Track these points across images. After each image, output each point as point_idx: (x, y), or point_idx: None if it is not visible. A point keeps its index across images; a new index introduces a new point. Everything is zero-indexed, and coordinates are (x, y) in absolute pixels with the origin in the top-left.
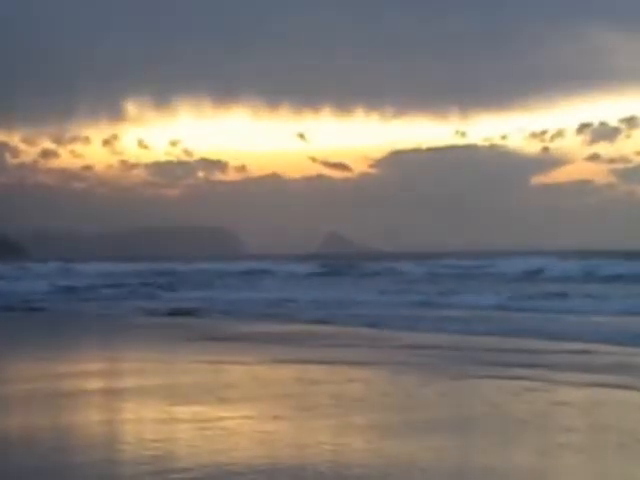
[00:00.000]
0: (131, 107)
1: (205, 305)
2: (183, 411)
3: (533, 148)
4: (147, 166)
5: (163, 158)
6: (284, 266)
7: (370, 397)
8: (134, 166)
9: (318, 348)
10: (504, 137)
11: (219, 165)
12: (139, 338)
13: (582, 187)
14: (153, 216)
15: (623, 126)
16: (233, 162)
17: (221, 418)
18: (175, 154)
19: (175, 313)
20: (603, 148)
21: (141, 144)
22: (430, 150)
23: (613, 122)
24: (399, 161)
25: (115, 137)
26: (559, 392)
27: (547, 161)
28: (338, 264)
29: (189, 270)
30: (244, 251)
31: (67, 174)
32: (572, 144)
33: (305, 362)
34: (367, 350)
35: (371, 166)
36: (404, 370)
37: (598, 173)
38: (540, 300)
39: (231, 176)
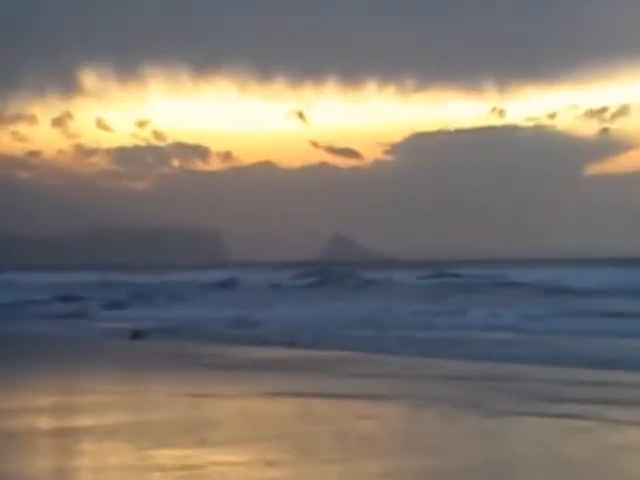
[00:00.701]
0: (88, 79)
1: (171, 325)
2: (157, 455)
3: (589, 129)
4: (108, 152)
5: (128, 142)
6: (267, 276)
7: (385, 438)
8: (92, 152)
9: (316, 378)
10: (552, 116)
11: (198, 151)
12: (97, 365)
13: None
14: (115, 214)
15: None
16: (216, 147)
17: (204, 464)
18: (144, 137)
19: (138, 335)
20: None
21: (100, 124)
22: (460, 132)
23: None
24: (421, 146)
25: (68, 116)
26: (618, 432)
27: (607, 145)
28: (330, 274)
29: (154, 282)
30: (228, 257)
31: (8, 161)
32: (638, 124)
33: (303, 395)
34: (374, 380)
35: (386, 152)
36: (424, 405)
37: None
38: (578, 318)
39: (213, 165)
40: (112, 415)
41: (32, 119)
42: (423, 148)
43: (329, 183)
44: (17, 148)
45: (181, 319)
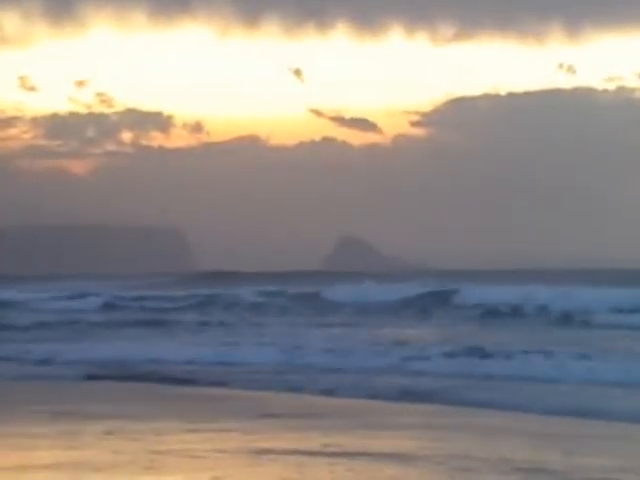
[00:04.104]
0: (7, 20)
1: None
2: None
3: None
4: (35, 122)
5: (63, 108)
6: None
7: None
8: (12, 121)
9: (307, 428)
10: None
11: (158, 121)
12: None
13: None
14: (43, 207)
15: None
16: (182, 116)
17: None
18: (83, 102)
19: None
20: None
21: (25, 84)
22: (515, 97)
23: None
24: (461, 116)
25: None
26: None
27: None
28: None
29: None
30: (191, 266)
31: None
32: None
33: (296, 453)
34: (378, 431)
35: (414, 124)
36: (467, 467)
37: None
38: None
39: (178, 140)
40: None
41: None
42: (463, 118)
43: (336, 166)
44: None
45: None
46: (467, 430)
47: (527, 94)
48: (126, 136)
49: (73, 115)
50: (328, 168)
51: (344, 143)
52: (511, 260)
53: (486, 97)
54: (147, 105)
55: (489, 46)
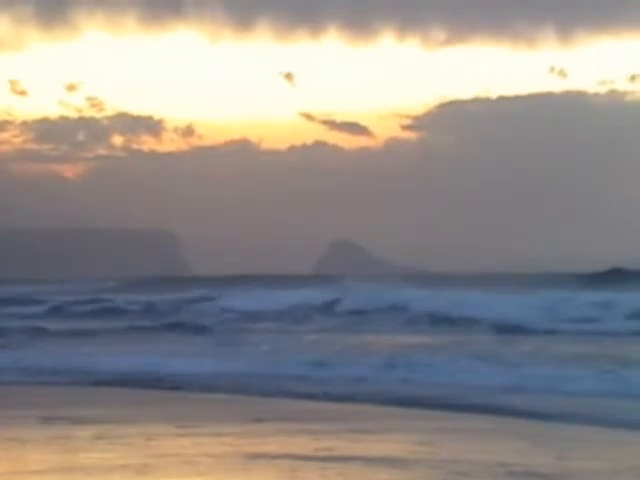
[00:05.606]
0: None
1: None
2: None
3: None
4: (25, 126)
5: (53, 112)
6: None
7: None
8: (3, 125)
9: (296, 432)
10: (634, 78)
11: (149, 125)
12: None
13: None
14: (34, 211)
15: None
16: (173, 120)
17: None
18: (74, 106)
19: None
20: None
21: (15, 88)
22: (506, 100)
23: None
24: (453, 120)
25: None
26: None
27: None
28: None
29: None
30: (183, 269)
31: None
32: None
33: (288, 457)
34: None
35: (405, 128)
36: (460, 471)
37: None
38: None
39: (169, 144)
40: None
41: None
42: (455, 122)
43: (328, 169)
44: None
45: None
46: (459, 434)
47: (519, 97)
48: (117, 140)
49: (64, 119)
50: (320, 172)
51: (336, 147)
52: (508, 263)
53: (478, 101)
54: (138, 109)
55: (481, 50)
